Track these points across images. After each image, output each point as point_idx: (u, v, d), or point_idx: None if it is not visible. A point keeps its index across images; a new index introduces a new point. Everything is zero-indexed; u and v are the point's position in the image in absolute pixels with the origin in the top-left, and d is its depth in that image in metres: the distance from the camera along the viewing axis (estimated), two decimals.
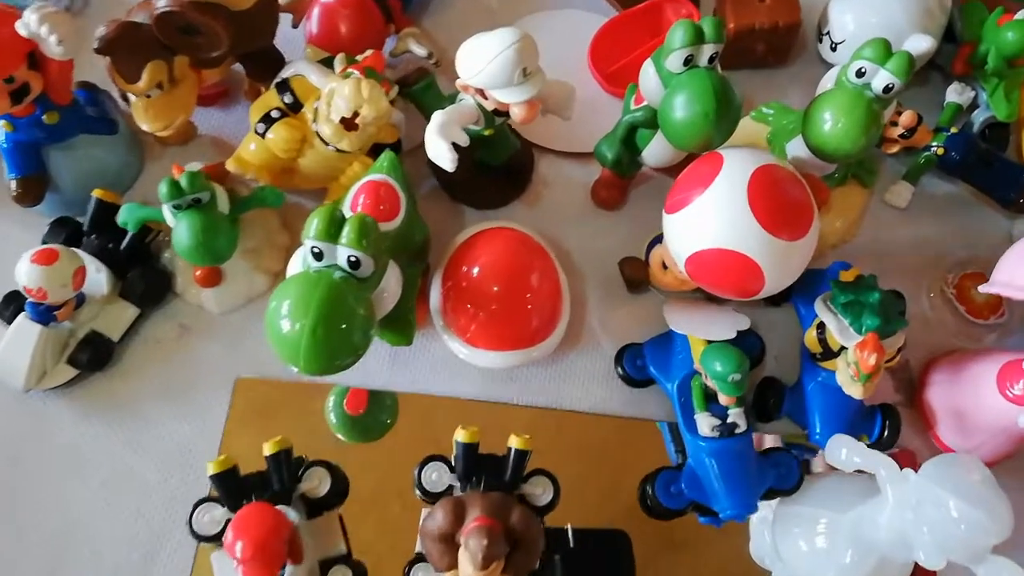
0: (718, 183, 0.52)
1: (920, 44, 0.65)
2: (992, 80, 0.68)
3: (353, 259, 0.48)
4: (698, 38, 0.53)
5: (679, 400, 0.59)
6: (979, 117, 0.71)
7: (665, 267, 0.62)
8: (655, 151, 0.62)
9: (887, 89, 0.56)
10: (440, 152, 0.52)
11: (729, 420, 0.56)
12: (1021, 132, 0.70)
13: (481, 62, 0.52)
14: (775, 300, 0.65)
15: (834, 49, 0.70)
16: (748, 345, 0.63)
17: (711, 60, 0.54)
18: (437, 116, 0.53)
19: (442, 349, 0.61)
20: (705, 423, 0.57)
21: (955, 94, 0.71)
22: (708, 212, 0.52)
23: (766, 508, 0.59)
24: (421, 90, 0.63)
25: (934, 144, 0.68)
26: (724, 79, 0.54)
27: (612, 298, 0.66)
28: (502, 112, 0.56)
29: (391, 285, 0.51)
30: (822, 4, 0.72)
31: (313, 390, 0.63)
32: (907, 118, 0.67)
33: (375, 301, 0.51)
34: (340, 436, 0.64)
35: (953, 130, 0.68)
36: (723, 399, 0.56)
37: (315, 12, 0.65)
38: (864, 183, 0.67)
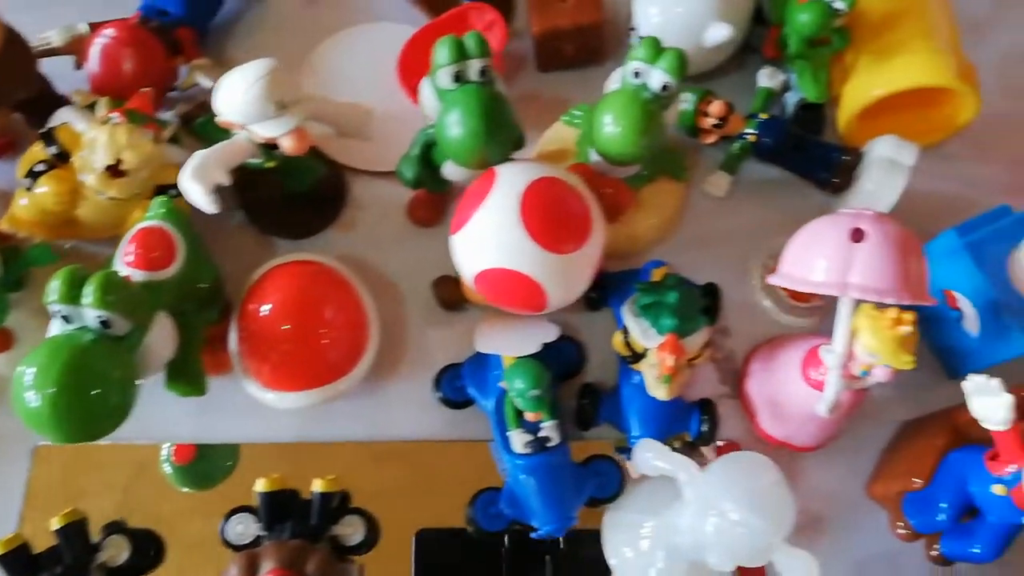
0: (490, 201, 0.51)
1: (719, 33, 0.66)
2: (798, 62, 0.68)
3: (102, 319, 0.46)
4: (462, 54, 0.52)
5: (496, 419, 0.58)
6: (792, 99, 0.70)
7: None
8: (454, 168, 0.60)
9: (665, 88, 0.55)
10: (195, 196, 0.51)
11: (541, 435, 0.56)
12: (837, 111, 0.70)
13: (232, 99, 0.51)
14: (594, 305, 0.64)
15: None
16: (566, 354, 0.63)
17: (483, 74, 0.53)
18: (193, 159, 0.51)
19: (248, 393, 0.59)
20: (518, 440, 0.56)
21: (766, 78, 0.70)
22: (484, 231, 0.51)
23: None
24: (203, 124, 0.61)
25: (747, 131, 0.68)
26: (496, 94, 0.53)
27: (434, 318, 0.65)
28: (273, 144, 0.54)
29: (158, 339, 0.50)
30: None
31: (128, 448, 0.61)
32: (716, 108, 0.67)
33: (140, 357, 0.49)
34: (179, 486, 0.63)
35: (764, 116, 0.68)
36: (528, 415, 0.56)
37: (93, 53, 0.62)
38: (676, 177, 0.67)
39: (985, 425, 0.51)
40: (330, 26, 0.74)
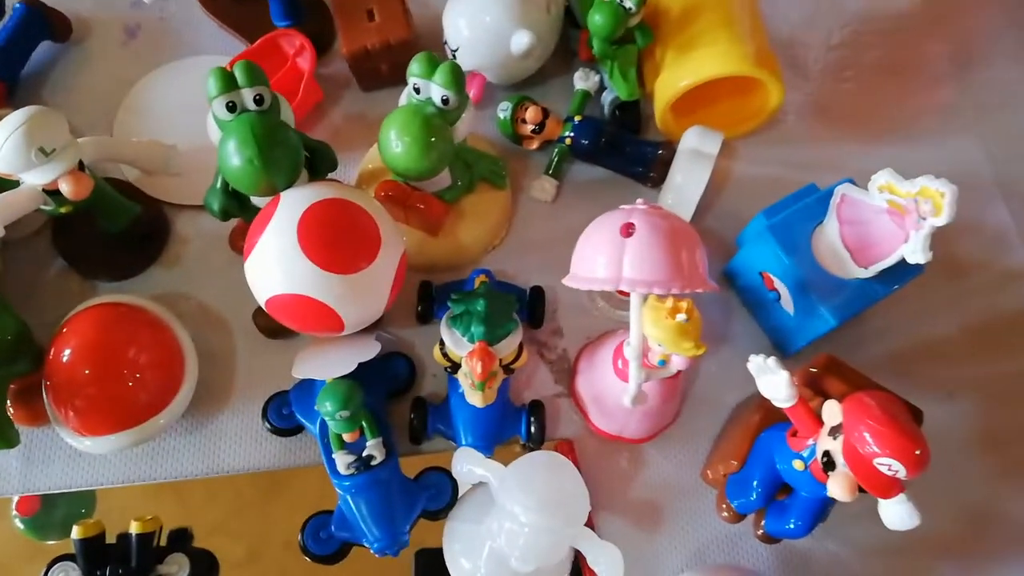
0: (272, 227, 0.51)
1: (522, 40, 0.67)
2: (607, 62, 0.69)
3: None
4: (232, 84, 0.52)
5: (322, 442, 0.58)
6: (607, 98, 0.72)
7: None
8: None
9: (445, 101, 0.56)
10: None
11: (365, 454, 0.56)
12: (654, 104, 0.71)
13: None
14: (423, 318, 0.65)
15: (455, 56, 0.70)
16: (397, 369, 0.63)
17: (258, 102, 0.53)
18: None
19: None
20: (342, 461, 0.56)
21: (581, 81, 0.72)
22: (267, 257, 0.52)
23: None
24: None
25: (565, 134, 0.69)
26: (272, 120, 0.54)
27: (261, 347, 0.65)
28: (55, 190, 0.54)
29: None
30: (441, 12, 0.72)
31: None
32: (531, 114, 0.69)
33: None
34: (36, 539, 0.62)
35: (578, 118, 0.69)
36: (346, 436, 0.56)
37: None
38: (496, 185, 0.68)
39: (774, 403, 0.52)
40: (148, 63, 0.74)
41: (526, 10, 0.67)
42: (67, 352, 0.55)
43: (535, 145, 0.70)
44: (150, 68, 0.74)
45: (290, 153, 0.54)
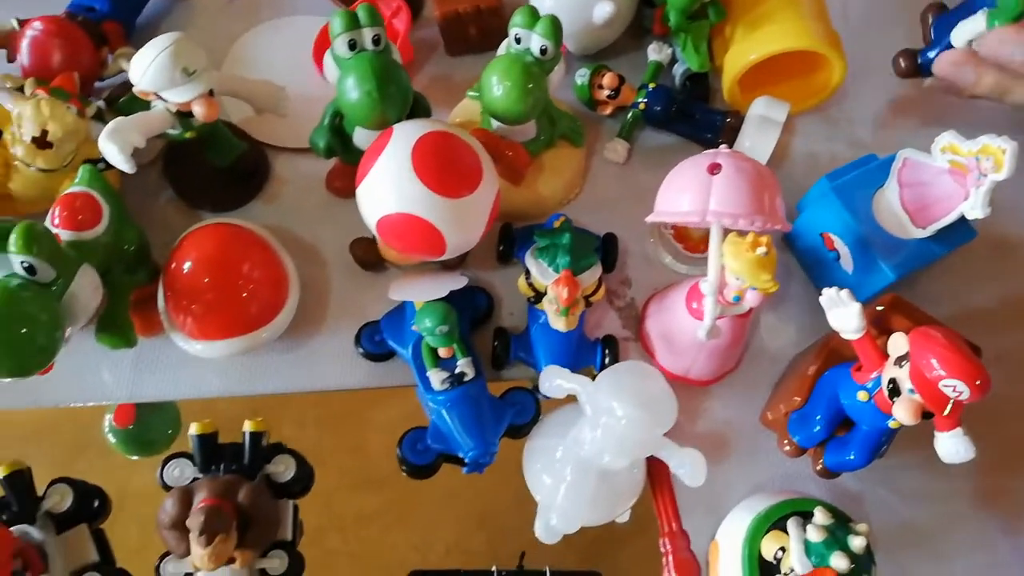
0: (387, 153, 0.56)
1: (604, 9, 0.72)
2: (680, 35, 0.74)
3: (26, 265, 0.50)
4: (355, 23, 0.57)
5: (415, 363, 0.62)
6: (679, 70, 0.77)
7: None
8: (363, 135, 0.65)
9: (543, 51, 0.61)
10: (112, 154, 0.55)
11: (457, 371, 0.60)
12: (722, 78, 0.76)
13: (142, 67, 0.55)
14: (504, 258, 0.69)
15: None
16: (476, 301, 0.67)
17: (376, 42, 0.59)
18: (112, 122, 0.56)
19: (179, 351, 0.63)
20: (436, 378, 0.60)
21: (654, 52, 0.77)
22: (381, 180, 0.56)
23: None
24: (127, 103, 0.65)
25: (638, 100, 0.74)
26: (388, 59, 0.59)
27: (355, 279, 0.69)
28: (187, 112, 0.59)
29: (83, 289, 0.54)
30: None
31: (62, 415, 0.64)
32: (609, 80, 0.73)
33: (66, 305, 0.53)
34: (124, 454, 0.66)
35: (652, 86, 0.74)
36: (442, 352, 0.60)
37: (24, 45, 0.67)
38: (574, 143, 0.72)
39: (843, 335, 0.56)
40: (250, 21, 0.79)
41: None
42: (188, 263, 0.60)
43: (609, 110, 0.75)
44: (251, 25, 0.79)
45: (402, 90, 0.59)
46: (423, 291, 0.62)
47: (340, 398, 0.66)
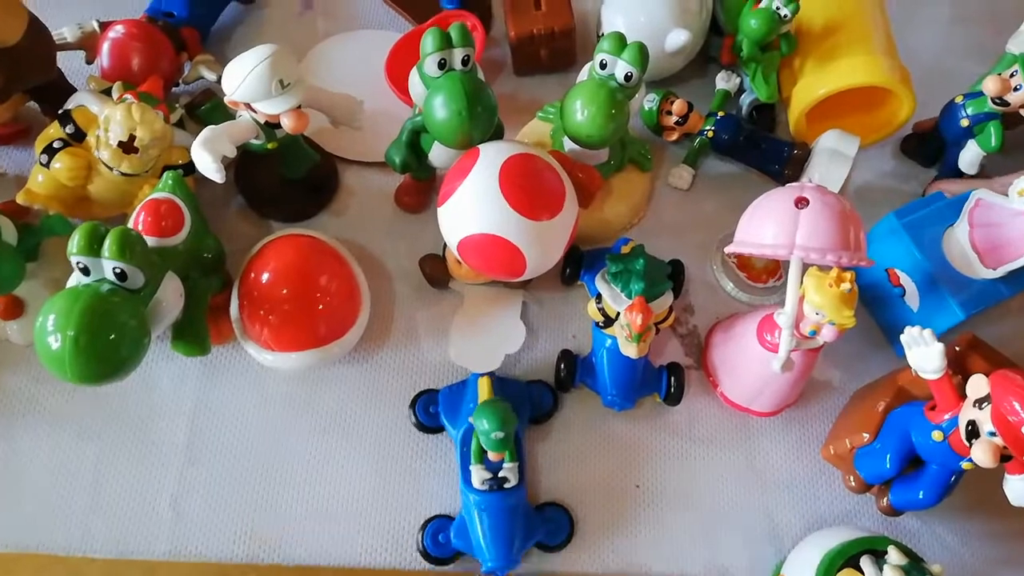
0: (474, 174, 0.57)
1: (679, 38, 0.72)
2: (751, 65, 0.74)
3: (118, 271, 0.50)
4: (447, 43, 0.58)
5: (461, 449, 0.61)
6: (746, 100, 0.77)
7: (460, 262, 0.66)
8: (439, 153, 0.66)
9: (628, 77, 0.61)
10: (204, 163, 0.55)
11: (501, 474, 0.59)
12: (788, 110, 0.76)
13: (239, 78, 0.56)
14: (569, 280, 0.69)
15: None
16: (542, 400, 0.65)
17: (464, 63, 0.59)
18: (205, 131, 0.56)
19: (247, 359, 0.63)
20: (477, 475, 0.59)
21: (723, 81, 0.77)
22: (467, 200, 0.57)
23: None
24: (208, 111, 0.66)
25: (706, 128, 0.74)
26: (477, 80, 0.59)
27: (420, 295, 0.70)
28: (275, 124, 0.59)
29: (168, 295, 0.54)
30: (598, 8, 0.78)
31: None
32: (678, 106, 0.74)
33: (151, 311, 0.53)
34: None
35: (721, 114, 0.74)
36: (491, 455, 0.59)
37: (105, 47, 0.67)
38: (642, 168, 0.73)
39: (921, 375, 0.56)
40: (322, 32, 0.80)
41: (682, 10, 0.73)
42: (267, 273, 0.60)
43: (675, 136, 0.76)
44: (323, 37, 0.80)
45: (490, 111, 0.60)
46: (480, 356, 0.63)
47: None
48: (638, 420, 0.67)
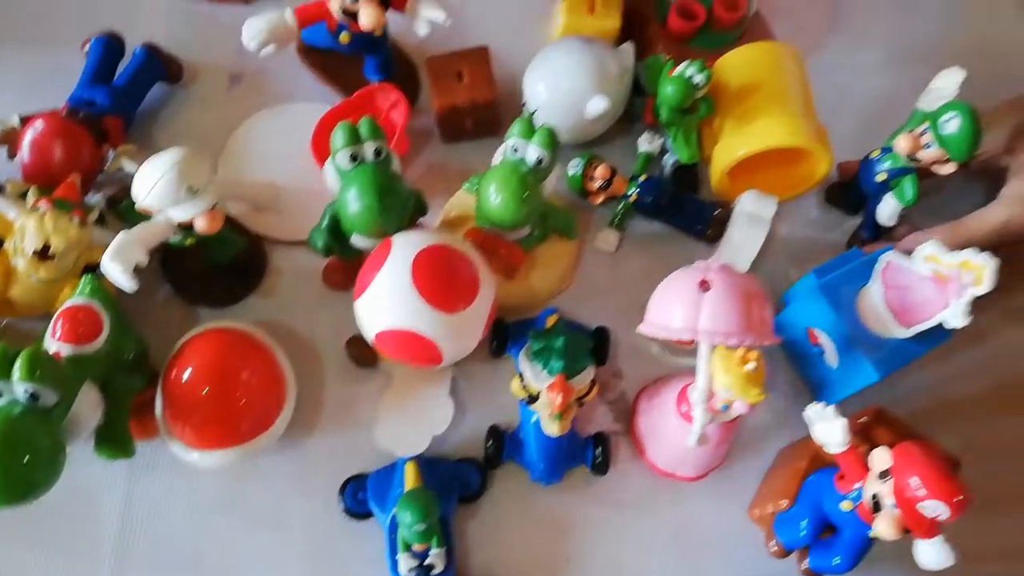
0: (387, 267, 0.58)
1: (599, 105, 0.73)
2: (671, 128, 0.76)
3: (30, 392, 0.51)
4: (357, 138, 0.59)
5: (388, 537, 0.62)
6: (669, 160, 0.79)
7: None
8: (359, 236, 0.67)
9: (539, 161, 0.62)
10: (115, 276, 0.56)
11: (427, 562, 0.60)
12: (709, 169, 0.78)
13: (147, 187, 0.57)
14: (497, 353, 0.71)
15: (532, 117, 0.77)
16: (469, 479, 0.66)
17: (377, 154, 0.60)
18: (115, 241, 0.57)
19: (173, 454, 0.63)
20: (404, 564, 0.60)
21: (645, 143, 0.78)
22: (381, 295, 0.58)
23: None
24: (128, 207, 0.66)
25: (630, 191, 0.76)
26: (388, 172, 0.60)
27: (349, 375, 0.70)
28: (189, 225, 0.60)
29: (84, 408, 0.54)
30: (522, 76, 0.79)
31: None
32: (601, 171, 0.75)
33: (67, 425, 0.53)
34: None
35: (643, 177, 0.76)
36: (415, 546, 0.60)
37: (25, 144, 0.68)
38: (567, 236, 0.74)
39: (826, 448, 0.58)
40: (251, 107, 0.80)
41: (601, 77, 0.74)
42: (187, 372, 0.60)
43: (600, 200, 0.77)
44: (251, 112, 0.80)
45: (402, 202, 0.61)
46: (406, 439, 0.64)
47: None
48: (567, 492, 0.68)
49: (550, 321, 0.68)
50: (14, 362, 0.51)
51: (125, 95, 0.75)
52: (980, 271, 0.58)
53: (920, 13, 0.94)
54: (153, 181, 0.56)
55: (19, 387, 0.51)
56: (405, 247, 0.58)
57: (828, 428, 0.56)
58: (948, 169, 0.66)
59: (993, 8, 0.95)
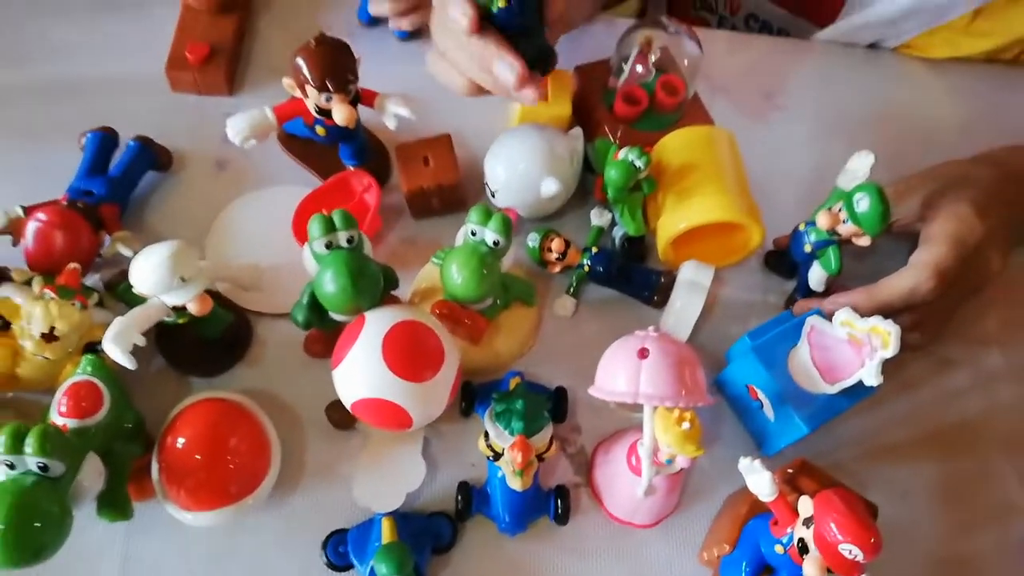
0: (360, 342, 0.64)
1: (551, 187, 0.81)
2: (618, 205, 0.84)
3: (41, 465, 0.57)
4: (331, 227, 0.66)
5: None
6: (618, 233, 0.87)
7: None
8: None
9: (495, 243, 0.70)
10: (116, 356, 0.62)
11: None
12: (656, 241, 0.85)
13: (143, 277, 0.63)
14: (466, 412, 0.77)
15: (493, 195, 0.85)
16: (440, 531, 0.72)
17: (349, 241, 0.67)
18: (113, 325, 0.63)
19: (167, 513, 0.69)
20: None
21: (596, 218, 0.86)
22: (355, 367, 0.64)
23: None
24: (125, 289, 0.73)
25: (584, 262, 0.83)
26: (361, 257, 0.67)
27: (329, 437, 0.76)
28: (180, 307, 0.67)
29: (88, 476, 0.60)
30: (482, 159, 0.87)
31: None
32: (557, 244, 0.82)
33: (73, 492, 0.59)
34: None
35: (595, 249, 0.83)
36: None
37: (29, 234, 0.74)
38: (527, 303, 0.81)
39: (759, 497, 0.64)
40: (236, 190, 0.87)
41: (553, 161, 0.82)
42: (181, 440, 0.66)
43: (557, 269, 0.84)
44: (236, 195, 0.87)
45: (374, 282, 0.68)
46: (383, 496, 0.70)
47: None
48: (532, 541, 0.74)
49: (513, 383, 0.75)
50: (25, 438, 0.56)
51: (120, 184, 0.81)
52: (887, 336, 0.66)
53: (844, 87, 1.04)
54: (148, 272, 0.63)
55: (31, 460, 0.56)
56: (376, 324, 0.65)
57: (757, 479, 0.63)
58: (864, 242, 0.74)
59: (913, 83, 1.06)
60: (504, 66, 0.65)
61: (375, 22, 1.01)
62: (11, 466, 0.57)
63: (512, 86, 0.66)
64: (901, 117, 1.03)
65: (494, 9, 0.64)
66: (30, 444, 0.56)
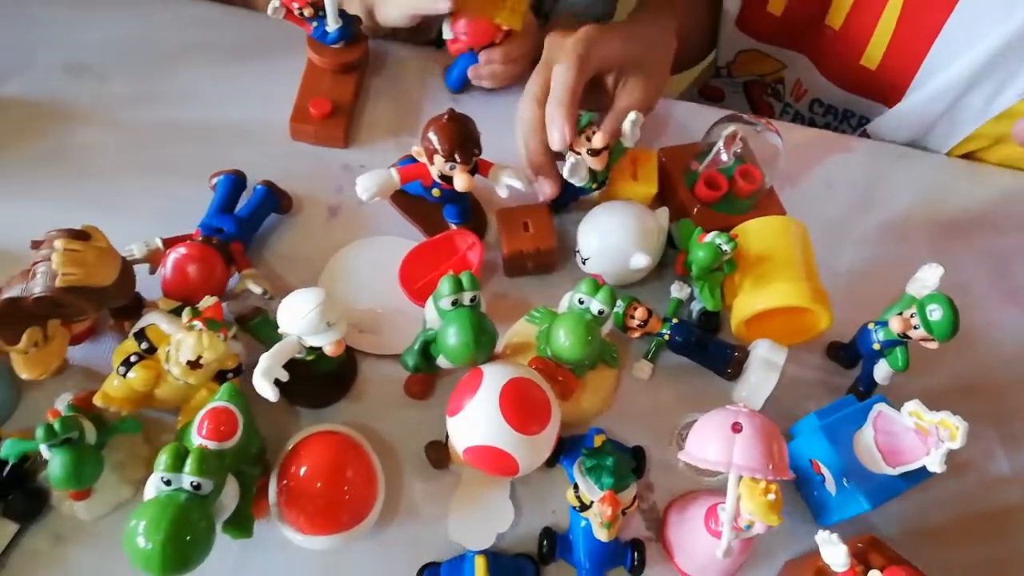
0: (479, 394, 0.71)
1: (640, 261, 0.88)
2: (699, 282, 0.91)
3: (195, 484, 0.63)
4: (459, 288, 0.73)
5: None
6: (696, 307, 0.94)
7: None
8: (446, 360, 0.80)
9: (600, 312, 0.77)
10: (264, 391, 0.69)
11: None
12: (731, 317, 0.92)
13: (294, 320, 0.70)
14: (551, 463, 0.83)
15: (584, 263, 0.92)
16: (525, 572, 0.77)
17: (472, 300, 0.74)
18: (263, 361, 0.70)
19: (281, 535, 0.74)
20: None
21: (676, 291, 0.93)
22: (473, 417, 0.71)
23: None
24: (256, 325, 0.79)
25: (663, 331, 0.90)
26: (481, 315, 0.74)
27: (425, 474, 0.82)
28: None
29: (228, 496, 0.66)
30: (576, 228, 0.94)
31: None
32: (640, 313, 0.89)
33: (215, 511, 0.65)
34: None
35: (675, 320, 0.90)
36: None
37: (168, 262, 0.81)
38: (611, 365, 0.88)
39: (832, 567, 0.70)
40: (345, 236, 0.94)
41: (643, 236, 0.90)
42: (304, 467, 0.72)
43: (637, 335, 0.91)
44: (346, 241, 0.94)
45: (491, 339, 0.74)
46: (475, 534, 0.76)
47: None
48: None
49: (598, 440, 0.81)
50: (185, 459, 0.62)
51: (247, 224, 0.88)
52: (954, 431, 0.72)
53: (900, 189, 1.12)
54: (301, 316, 0.69)
55: (186, 479, 0.62)
56: (494, 378, 0.71)
57: (834, 551, 0.69)
58: (933, 346, 0.81)
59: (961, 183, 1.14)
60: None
61: (462, 89, 1.10)
62: (167, 483, 0.63)
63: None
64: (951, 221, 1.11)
65: None
66: (190, 464, 0.62)
